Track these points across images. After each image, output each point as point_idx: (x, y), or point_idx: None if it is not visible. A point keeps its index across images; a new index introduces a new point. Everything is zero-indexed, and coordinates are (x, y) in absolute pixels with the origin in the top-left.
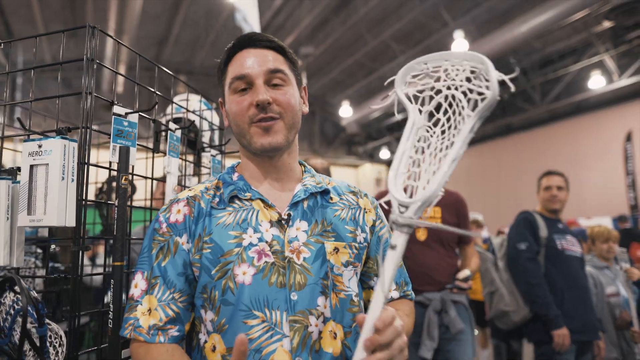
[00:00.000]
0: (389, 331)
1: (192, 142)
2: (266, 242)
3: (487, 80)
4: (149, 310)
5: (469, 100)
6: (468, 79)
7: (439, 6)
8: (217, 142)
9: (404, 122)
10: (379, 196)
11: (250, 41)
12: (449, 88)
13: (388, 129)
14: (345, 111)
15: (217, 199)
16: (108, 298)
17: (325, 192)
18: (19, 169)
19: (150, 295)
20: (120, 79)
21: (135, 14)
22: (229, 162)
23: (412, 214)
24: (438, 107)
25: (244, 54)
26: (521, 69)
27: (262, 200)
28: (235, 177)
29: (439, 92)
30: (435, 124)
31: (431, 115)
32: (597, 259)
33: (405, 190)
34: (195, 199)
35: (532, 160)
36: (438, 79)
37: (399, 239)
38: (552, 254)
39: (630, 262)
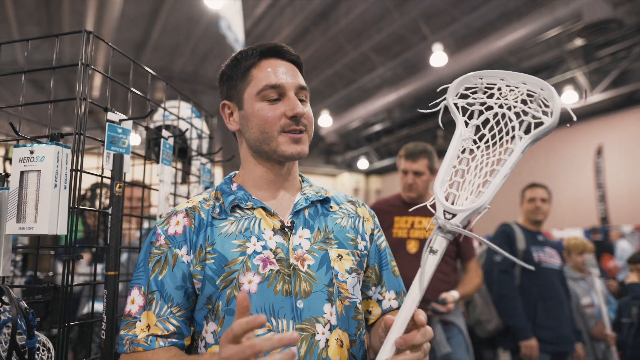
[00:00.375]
0: (423, 332)
1: (182, 150)
2: (270, 249)
3: (546, 106)
4: (148, 326)
5: (521, 122)
6: (524, 102)
7: (418, 20)
8: (204, 150)
9: (383, 132)
10: (376, 204)
11: (280, 52)
12: (500, 106)
13: (367, 139)
14: (325, 121)
15: (217, 209)
16: (88, 308)
17: (325, 201)
18: (7, 175)
19: (149, 312)
20: (100, 82)
21: (114, 17)
22: (217, 170)
23: (459, 222)
24: (485, 123)
25: (274, 63)
26: None
27: (264, 209)
28: (234, 187)
29: (489, 108)
30: (480, 139)
31: (477, 129)
32: (573, 271)
33: (446, 198)
34: (194, 210)
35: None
36: (491, 96)
37: (442, 244)
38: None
39: (601, 271)
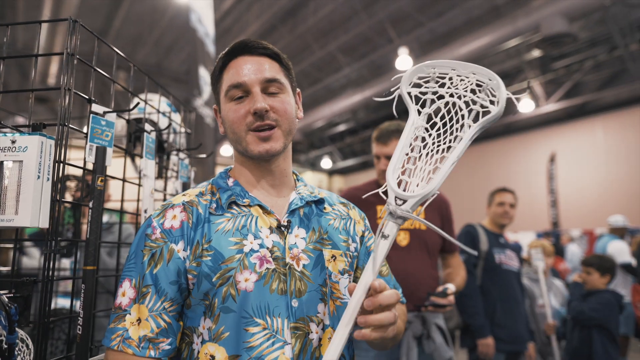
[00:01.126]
0: (388, 293)
1: (160, 145)
2: (267, 248)
3: (493, 95)
4: (139, 320)
5: (470, 111)
6: (473, 91)
7: (385, 22)
8: (178, 145)
9: (347, 132)
10: (351, 192)
11: (245, 48)
12: (451, 95)
13: (331, 139)
14: None
15: (214, 205)
16: (55, 304)
17: (320, 202)
18: None
19: (141, 305)
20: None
21: (74, 4)
22: (196, 166)
23: (409, 207)
24: (437, 111)
25: (240, 62)
26: None
27: (261, 207)
28: (230, 182)
29: (441, 97)
30: (432, 127)
31: (429, 117)
32: (533, 272)
33: (398, 184)
34: (192, 205)
35: (466, 175)
36: (442, 85)
37: (393, 229)
38: (489, 267)
39: (552, 273)
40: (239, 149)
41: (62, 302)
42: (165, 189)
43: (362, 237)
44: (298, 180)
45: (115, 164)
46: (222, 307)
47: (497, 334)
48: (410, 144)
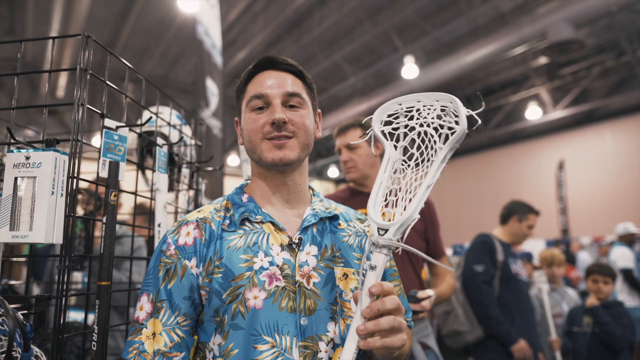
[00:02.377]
0: (387, 299)
1: (171, 158)
2: (277, 265)
3: (456, 116)
4: (154, 334)
5: (440, 135)
6: (439, 117)
7: (390, 32)
8: (189, 158)
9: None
10: (332, 196)
11: (271, 63)
12: (421, 125)
13: None
14: None
15: (227, 221)
16: (68, 318)
17: (334, 218)
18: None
19: (156, 319)
20: (66, 83)
21: (81, 17)
22: (209, 179)
23: (392, 236)
24: (412, 143)
25: (265, 75)
26: (465, 97)
27: (273, 223)
28: (244, 198)
29: (412, 129)
30: (409, 158)
31: (406, 149)
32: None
33: (383, 217)
34: (205, 222)
35: (473, 183)
36: (411, 118)
37: (379, 260)
38: (506, 277)
39: (565, 281)
40: (254, 157)
41: (74, 316)
42: (176, 202)
43: None
44: (314, 195)
45: (127, 177)
46: (231, 323)
47: None
48: (391, 177)
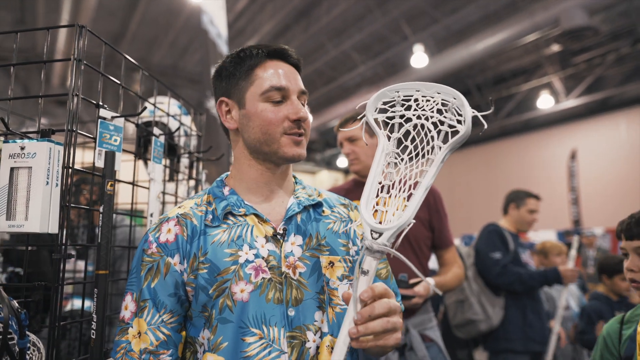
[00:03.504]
0: (377, 303)
1: (170, 148)
2: (262, 257)
3: (459, 115)
4: (139, 333)
5: (439, 132)
6: (439, 111)
7: (399, 20)
8: (191, 148)
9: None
10: (336, 189)
11: (284, 54)
12: (418, 117)
13: None
14: None
15: (210, 216)
16: (72, 305)
17: (317, 205)
18: None
19: (140, 319)
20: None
21: (91, 7)
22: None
23: (386, 241)
24: (406, 135)
25: (279, 65)
26: (476, 85)
27: (257, 215)
28: (226, 191)
29: (408, 120)
30: (403, 151)
31: (399, 142)
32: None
33: (374, 215)
34: (186, 217)
35: (484, 173)
36: (409, 108)
37: (372, 264)
38: (518, 266)
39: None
40: (264, 149)
41: (79, 303)
42: (176, 192)
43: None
44: (297, 184)
45: (128, 167)
46: (219, 318)
47: (529, 334)
48: (383, 172)
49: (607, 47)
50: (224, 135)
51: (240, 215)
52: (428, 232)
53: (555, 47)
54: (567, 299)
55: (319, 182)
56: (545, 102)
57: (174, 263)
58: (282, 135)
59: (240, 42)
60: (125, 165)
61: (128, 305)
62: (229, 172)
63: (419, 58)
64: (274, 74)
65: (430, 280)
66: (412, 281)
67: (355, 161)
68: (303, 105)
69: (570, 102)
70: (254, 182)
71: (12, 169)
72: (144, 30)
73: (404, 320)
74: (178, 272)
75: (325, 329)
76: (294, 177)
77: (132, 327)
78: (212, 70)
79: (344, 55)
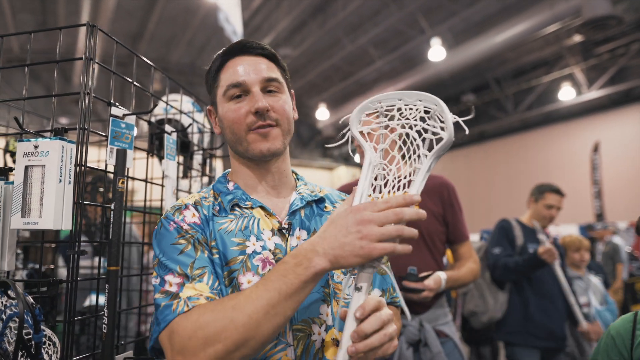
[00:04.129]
0: (372, 320)
1: (183, 144)
2: (270, 250)
3: (442, 121)
4: (194, 290)
5: (423, 140)
6: (422, 119)
7: (416, 14)
8: (205, 144)
9: None
10: (344, 188)
11: (243, 48)
12: (403, 127)
13: None
14: (322, 114)
15: (217, 207)
16: (90, 301)
17: (320, 201)
18: (10, 169)
19: (200, 283)
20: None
21: (110, 8)
22: (218, 164)
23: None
24: (392, 145)
25: (237, 61)
26: (495, 79)
27: (263, 208)
28: (230, 186)
29: (393, 130)
30: (390, 162)
31: (387, 152)
32: (570, 269)
33: None
34: (198, 204)
35: (504, 167)
36: (392, 118)
37: (364, 280)
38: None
39: (599, 269)
40: (239, 149)
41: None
42: (190, 189)
43: None
44: (298, 180)
45: (142, 165)
46: None
47: (530, 329)
48: (372, 184)
49: (630, 36)
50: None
51: (247, 208)
52: (442, 227)
53: (577, 38)
54: (589, 295)
55: (337, 178)
56: (567, 94)
57: (204, 240)
58: (247, 132)
59: (257, 39)
60: (142, 163)
61: (172, 282)
62: (230, 169)
63: (437, 52)
64: (232, 72)
65: (442, 275)
66: (422, 274)
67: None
68: (275, 92)
69: (593, 94)
70: (250, 179)
71: (26, 167)
72: (162, 29)
73: (418, 315)
74: (209, 250)
75: (330, 322)
76: (295, 173)
77: (182, 291)
78: None
79: (360, 51)
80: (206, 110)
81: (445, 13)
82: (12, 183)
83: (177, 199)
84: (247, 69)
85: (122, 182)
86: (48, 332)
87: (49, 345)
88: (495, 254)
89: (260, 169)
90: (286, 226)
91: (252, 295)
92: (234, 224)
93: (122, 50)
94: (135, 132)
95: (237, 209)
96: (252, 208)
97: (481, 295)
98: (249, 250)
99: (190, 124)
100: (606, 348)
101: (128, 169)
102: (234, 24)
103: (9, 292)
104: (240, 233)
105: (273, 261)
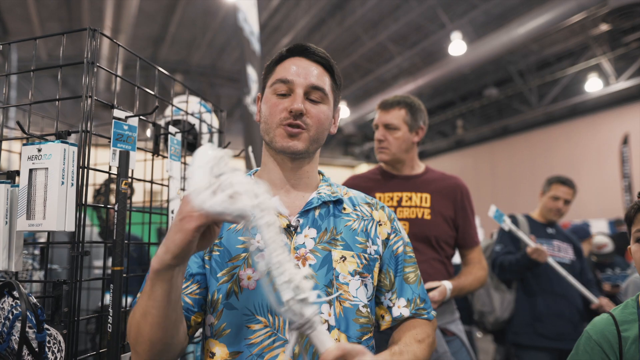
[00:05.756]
0: None
1: (191, 145)
2: None
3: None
4: None
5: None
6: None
7: (436, 8)
8: (215, 145)
9: None
10: (353, 180)
11: (303, 51)
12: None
13: None
14: (342, 112)
15: None
16: (107, 300)
17: (338, 202)
18: (17, 172)
19: None
20: (117, 79)
21: (132, 13)
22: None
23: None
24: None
25: (294, 61)
26: (518, 71)
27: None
28: None
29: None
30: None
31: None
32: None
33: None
34: None
35: (528, 162)
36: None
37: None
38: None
39: (625, 264)
40: (266, 139)
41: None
42: None
43: (387, 239)
44: (322, 181)
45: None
46: (225, 303)
47: (538, 329)
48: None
49: None
50: (258, 130)
51: None
52: (452, 231)
53: (604, 27)
54: (625, 289)
55: None
56: (593, 85)
57: None
58: (277, 125)
59: (276, 39)
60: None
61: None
62: (259, 168)
63: (457, 46)
64: (285, 69)
65: (448, 285)
66: (428, 286)
67: (386, 150)
68: (316, 101)
69: (621, 84)
70: (273, 174)
71: (30, 170)
72: (183, 32)
73: None
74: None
75: (332, 323)
76: (322, 174)
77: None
78: (248, 67)
79: (380, 47)
80: (256, 98)
81: (466, 6)
82: (18, 186)
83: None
84: (298, 71)
85: (125, 184)
86: (53, 331)
87: (54, 344)
88: (496, 251)
89: (284, 164)
90: (294, 224)
91: (138, 302)
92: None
93: (145, 54)
94: (149, 134)
95: None
96: None
97: (487, 295)
98: (252, 248)
99: (193, 125)
100: (590, 352)
101: (132, 170)
102: (251, 24)
103: (14, 292)
104: (247, 231)
105: None
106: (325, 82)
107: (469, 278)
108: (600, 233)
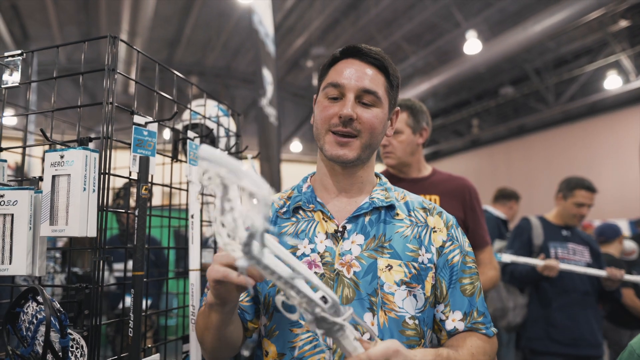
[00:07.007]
0: None
1: None
2: (318, 253)
3: None
4: None
5: None
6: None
7: (450, 7)
8: (233, 149)
9: None
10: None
11: (357, 52)
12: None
13: None
14: None
15: (284, 209)
16: (127, 303)
17: (390, 207)
18: (40, 178)
19: None
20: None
21: (148, 16)
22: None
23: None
24: None
25: (347, 63)
26: (534, 70)
27: (322, 212)
28: (305, 187)
29: None
30: None
31: None
32: None
33: None
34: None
35: (545, 162)
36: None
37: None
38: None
39: None
40: (318, 144)
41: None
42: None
43: (442, 247)
44: (378, 184)
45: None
46: (274, 306)
47: (552, 335)
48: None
49: None
50: (274, 132)
51: (310, 211)
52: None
53: (623, 23)
54: None
55: None
56: (613, 83)
57: None
58: (327, 132)
59: (291, 40)
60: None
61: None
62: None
63: (472, 44)
64: (337, 71)
65: None
66: None
67: (391, 154)
68: (368, 105)
69: None
70: (326, 178)
71: (53, 177)
72: (198, 34)
73: None
74: None
75: (376, 332)
76: (379, 177)
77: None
78: (263, 70)
79: (394, 47)
80: (313, 100)
81: (480, 4)
82: (41, 192)
83: (202, 203)
84: (350, 74)
85: (146, 189)
86: (76, 335)
87: (77, 348)
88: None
89: (336, 171)
90: (341, 229)
91: (201, 312)
92: (293, 227)
93: (161, 56)
94: (167, 137)
95: (300, 212)
96: (314, 211)
97: (498, 296)
98: (298, 253)
99: (211, 130)
100: None
101: (152, 175)
102: (266, 26)
103: (38, 297)
104: (296, 236)
105: (320, 264)
106: (379, 85)
107: (482, 279)
108: (628, 238)
